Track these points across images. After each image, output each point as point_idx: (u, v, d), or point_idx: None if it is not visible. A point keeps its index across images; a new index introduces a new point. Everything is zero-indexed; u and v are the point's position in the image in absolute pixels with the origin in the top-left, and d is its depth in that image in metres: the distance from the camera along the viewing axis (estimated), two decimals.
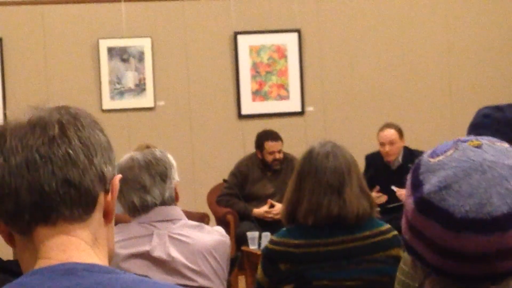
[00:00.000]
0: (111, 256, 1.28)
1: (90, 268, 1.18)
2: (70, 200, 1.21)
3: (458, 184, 1.21)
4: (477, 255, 1.20)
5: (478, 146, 1.25)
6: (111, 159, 1.26)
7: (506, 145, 1.27)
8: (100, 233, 1.25)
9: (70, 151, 1.21)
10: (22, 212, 1.20)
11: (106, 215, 1.26)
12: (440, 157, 1.26)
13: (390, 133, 6.57)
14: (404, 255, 2.28)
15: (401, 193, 6.37)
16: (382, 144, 6.59)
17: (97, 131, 1.25)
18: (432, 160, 1.27)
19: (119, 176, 1.28)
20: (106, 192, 1.25)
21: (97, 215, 1.24)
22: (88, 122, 1.25)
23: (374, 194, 6.48)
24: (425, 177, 1.25)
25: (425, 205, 1.23)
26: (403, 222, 1.29)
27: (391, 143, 6.55)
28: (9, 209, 1.21)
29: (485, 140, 1.27)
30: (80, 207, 1.22)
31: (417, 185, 1.26)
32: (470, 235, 1.19)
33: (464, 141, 1.27)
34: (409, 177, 1.30)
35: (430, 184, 1.23)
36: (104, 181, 1.24)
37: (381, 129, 6.66)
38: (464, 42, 8.17)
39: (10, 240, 1.25)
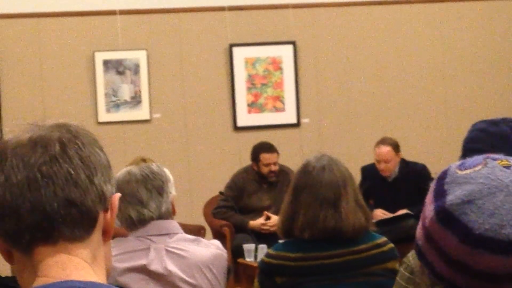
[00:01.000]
0: (109, 273, 1.28)
1: (89, 286, 1.18)
2: (71, 220, 1.21)
3: (481, 201, 1.22)
4: (488, 274, 1.21)
5: (508, 167, 1.25)
6: (111, 177, 1.26)
7: None
8: (99, 251, 1.25)
9: (72, 171, 1.21)
10: (23, 231, 1.20)
11: (105, 234, 1.26)
12: (468, 171, 1.26)
13: (386, 150, 6.54)
14: (408, 261, 2.29)
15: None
16: (377, 161, 6.59)
17: (97, 149, 1.25)
18: (459, 172, 1.26)
19: (118, 195, 1.28)
20: (106, 210, 1.25)
21: (97, 234, 1.25)
22: (88, 141, 1.25)
23: (380, 213, 6.50)
24: (450, 187, 1.25)
25: (445, 216, 1.23)
26: (419, 227, 1.29)
27: (386, 161, 6.55)
28: (9, 228, 1.21)
29: None
30: (81, 227, 1.22)
31: (440, 194, 1.26)
32: (484, 253, 1.20)
33: (494, 159, 1.27)
34: (433, 184, 1.30)
35: (454, 195, 1.23)
36: (104, 200, 1.24)
37: (377, 145, 6.62)
38: (459, 56, 8.20)
39: (9, 258, 1.25)
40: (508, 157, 1.28)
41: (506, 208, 1.21)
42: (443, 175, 1.29)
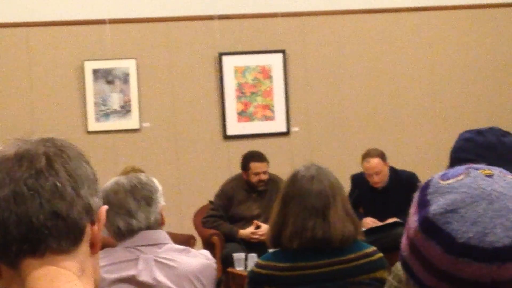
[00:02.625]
0: (97, 286, 1.29)
1: None
2: (58, 232, 1.21)
3: (464, 210, 1.22)
4: (473, 282, 1.21)
5: (490, 176, 1.26)
6: (97, 190, 1.27)
7: None
8: (87, 263, 1.25)
9: (58, 184, 1.21)
10: (9, 244, 1.21)
11: (93, 246, 1.27)
12: (451, 181, 1.26)
13: (375, 162, 6.54)
14: (396, 270, 2.30)
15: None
16: (369, 175, 6.59)
17: (83, 163, 1.26)
18: (442, 182, 1.27)
19: (105, 207, 1.28)
20: (93, 223, 1.26)
21: (84, 246, 1.25)
22: (74, 154, 1.26)
23: (370, 221, 6.50)
24: (433, 197, 1.25)
25: (428, 226, 1.23)
26: (404, 238, 1.30)
27: (378, 173, 6.57)
28: None
29: (497, 171, 1.27)
30: (68, 239, 1.22)
31: (423, 204, 1.26)
32: (469, 262, 1.20)
33: (476, 169, 1.28)
34: (416, 195, 1.30)
35: (436, 205, 1.24)
36: (91, 213, 1.25)
37: (365, 159, 6.58)
38: (447, 65, 8.23)
39: None
40: (490, 167, 1.29)
41: (489, 216, 1.21)
42: (426, 185, 1.29)
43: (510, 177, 1.28)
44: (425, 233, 1.24)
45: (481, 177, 1.26)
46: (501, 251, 1.20)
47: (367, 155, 6.61)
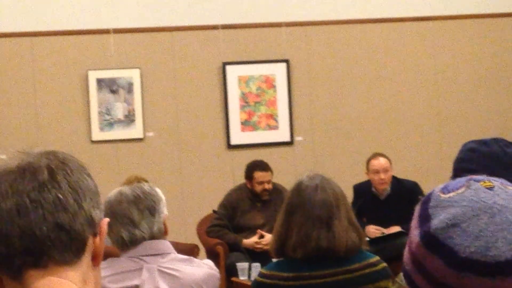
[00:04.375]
0: None
1: None
2: (61, 244, 1.22)
3: (466, 224, 1.22)
4: None
5: (490, 188, 1.25)
6: (99, 203, 1.28)
7: None
8: (89, 275, 1.26)
9: (60, 196, 1.22)
10: (13, 256, 1.21)
11: (95, 258, 1.27)
12: (451, 194, 1.26)
13: (384, 160, 6.62)
14: (400, 280, 2.29)
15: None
16: (376, 172, 6.59)
17: (85, 175, 1.27)
18: (443, 195, 1.27)
19: (106, 220, 1.29)
20: (95, 235, 1.26)
21: (86, 258, 1.25)
22: (76, 167, 1.27)
23: (373, 229, 6.50)
24: (434, 211, 1.25)
25: (430, 240, 1.24)
26: (406, 252, 1.30)
27: (385, 170, 6.59)
28: (0, 253, 1.21)
29: (497, 182, 1.27)
30: (71, 251, 1.23)
31: (425, 218, 1.26)
32: (471, 276, 1.20)
33: (477, 181, 1.27)
34: (417, 208, 1.30)
35: (438, 219, 1.24)
36: (93, 225, 1.25)
37: (374, 157, 6.67)
38: (451, 75, 8.22)
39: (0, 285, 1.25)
40: (491, 178, 1.29)
41: (491, 230, 1.21)
42: (427, 199, 1.29)
43: (511, 188, 1.27)
44: (428, 248, 1.24)
45: (482, 189, 1.25)
46: (504, 265, 1.20)
47: (375, 155, 6.70)
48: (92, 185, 1.27)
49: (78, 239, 1.23)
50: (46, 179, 1.23)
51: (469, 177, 1.29)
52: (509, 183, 1.28)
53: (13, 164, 1.25)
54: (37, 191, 1.21)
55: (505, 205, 1.23)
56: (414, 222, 1.29)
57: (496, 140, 2.30)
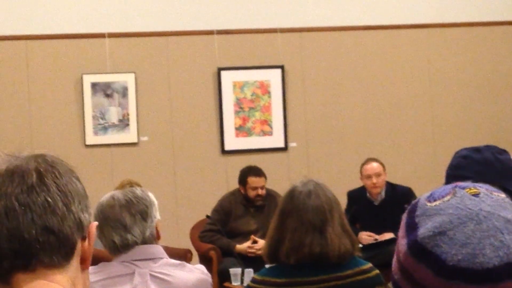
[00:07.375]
0: None
1: None
2: (49, 247, 1.21)
3: (452, 232, 1.21)
4: None
5: (476, 195, 1.25)
6: (88, 206, 1.28)
7: (503, 195, 1.27)
8: (78, 278, 1.26)
9: (49, 199, 1.22)
10: (1, 260, 1.21)
11: (83, 262, 1.27)
12: (437, 202, 1.26)
13: (376, 165, 6.65)
14: None
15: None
16: (368, 176, 6.62)
17: (73, 179, 1.27)
18: (429, 204, 1.26)
19: (95, 223, 1.29)
20: (83, 239, 1.26)
21: (75, 261, 1.25)
22: (64, 170, 1.26)
23: (365, 235, 6.50)
24: (421, 220, 1.25)
25: (418, 249, 1.23)
26: (394, 261, 1.29)
27: (378, 175, 6.62)
28: None
29: (483, 189, 1.27)
30: (59, 254, 1.22)
31: (412, 227, 1.26)
32: (460, 284, 1.20)
33: (463, 188, 1.27)
34: (404, 217, 1.30)
35: (425, 228, 1.23)
36: (81, 228, 1.25)
37: (366, 162, 6.72)
38: (446, 82, 8.24)
39: None
40: (476, 184, 1.28)
41: (478, 237, 1.21)
42: (413, 208, 1.29)
43: (497, 194, 1.27)
44: (415, 257, 1.24)
45: (468, 196, 1.25)
46: (492, 271, 1.19)
47: (368, 160, 6.75)
48: (80, 189, 1.27)
49: (66, 243, 1.23)
50: (35, 182, 1.22)
51: (454, 184, 1.29)
52: (494, 189, 1.28)
53: (2, 167, 1.25)
54: (25, 194, 1.21)
55: (491, 212, 1.23)
56: (401, 231, 1.29)
57: (488, 147, 2.31)
